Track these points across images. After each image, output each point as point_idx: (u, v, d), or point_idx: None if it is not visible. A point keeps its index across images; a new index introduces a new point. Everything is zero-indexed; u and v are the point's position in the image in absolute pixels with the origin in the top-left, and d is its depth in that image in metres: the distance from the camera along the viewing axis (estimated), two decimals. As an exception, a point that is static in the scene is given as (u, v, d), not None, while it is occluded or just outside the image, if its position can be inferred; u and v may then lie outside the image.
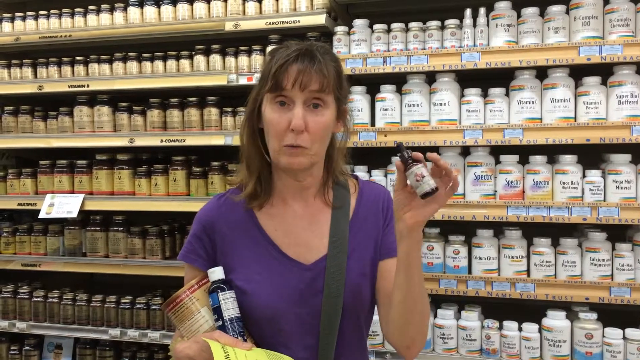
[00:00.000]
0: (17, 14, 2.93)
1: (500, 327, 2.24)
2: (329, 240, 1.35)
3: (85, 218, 2.82)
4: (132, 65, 2.76)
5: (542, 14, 2.25)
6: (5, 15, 2.96)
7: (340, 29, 2.42)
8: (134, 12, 2.73)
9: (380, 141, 2.32)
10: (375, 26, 2.39)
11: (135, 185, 2.69)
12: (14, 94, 2.91)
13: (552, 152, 2.25)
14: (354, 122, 2.32)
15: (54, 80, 2.83)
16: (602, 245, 2.17)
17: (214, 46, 2.65)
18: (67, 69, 2.86)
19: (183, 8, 2.67)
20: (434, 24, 2.33)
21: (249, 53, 2.60)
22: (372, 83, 2.45)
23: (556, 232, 2.29)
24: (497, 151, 2.28)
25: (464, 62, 2.24)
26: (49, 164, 2.83)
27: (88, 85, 2.73)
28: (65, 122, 2.81)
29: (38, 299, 2.80)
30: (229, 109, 2.62)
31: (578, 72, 2.23)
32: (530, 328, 2.19)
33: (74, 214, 2.64)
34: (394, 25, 2.37)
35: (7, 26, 2.94)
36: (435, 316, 2.31)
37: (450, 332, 2.26)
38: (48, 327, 2.78)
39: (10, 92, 2.90)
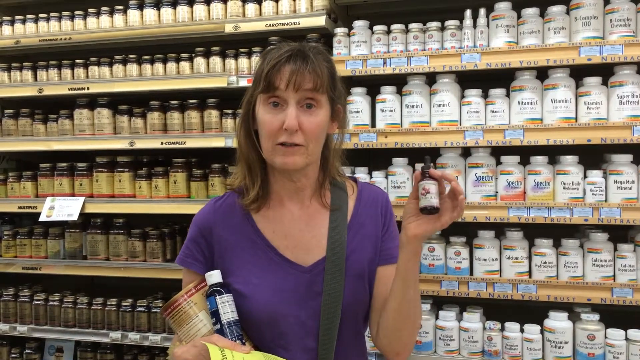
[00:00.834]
0: (17, 17, 2.93)
1: (502, 329, 2.23)
2: (327, 242, 1.34)
3: (85, 221, 2.82)
4: (132, 68, 2.76)
5: (542, 14, 2.25)
6: (5, 18, 2.96)
7: (340, 31, 2.42)
8: (133, 14, 2.73)
9: (381, 142, 2.32)
10: (375, 27, 2.39)
11: (136, 187, 2.69)
12: (14, 97, 2.91)
13: (553, 153, 2.25)
14: (350, 123, 2.34)
15: (54, 83, 2.83)
16: (604, 246, 2.17)
17: (214, 48, 2.65)
18: (67, 72, 2.86)
19: (183, 10, 2.67)
20: (434, 25, 2.33)
21: (249, 55, 2.60)
22: (373, 84, 2.45)
23: (558, 233, 2.28)
24: (498, 152, 2.28)
25: (464, 63, 2.24)
26: (50, 167, 2.82)
27: (88, 88, 2.73)
28: (65, 125, 2.81)
29: (39, 302, 2.80)
30: (229, 111, 2.62)
31: (579, 73, 2.23)
32: (532, 329, 2.18)
33: (75, 217, 2.64)
34: (394, 27, 2.37)
35: (7, 29, 2.94)
36: (436, 318, 2.30)
37: (452, 333, 2.25)
38: (49, 331, 2.78)
39: (10, 95, 2.90)
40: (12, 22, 2.93)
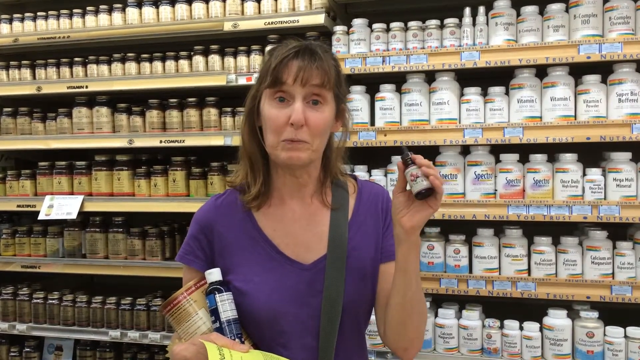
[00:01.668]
0: (15, 15, 2.93)
1: (501, 326, 2.24)
2: (328, 240, 1.34)
3: (84, 219, 2.82)
4: (131, 66, 2.75)
5: (541, 12, 2.25)
6: (3, 16, 2.95)
7: (339, 29, 2.42)
8: (132, 12, 2.72)
9: (380, 141, 2.32)
10: (375, 25, 2.39)
11: (135, 186, 2.69)
12: (12, 95, 2.90)
13: (553, 151, 2.25)
14: (353, 122, 2.33)
15: (53, 81, 2.82)
16: (603, 244, 2.17)
17: (213, 46, 2.65)
18: (65, 70, 2.86)
19: (181, 8, 2.66)
20: (433, 23, 2.32)
21: (248, 53, 2.59)
22: (372, 82, 2.45)
23: (557, 230, 2.28)
24: (497, 150, 2.28)
25: (464, 61, 2.24)
26: (48, 166, 2.82)
27: (87, 86, 2.72)
28: (64, 123, 2.81)
29: (38, 300, 2.79)
30: (228, 109, 2.62)
31: (578, 71, 2.23)
32: (532, 327, 2.18)
33: (74, 215, 2.64)
34: (393, 25, 2.37)
35: (5, 27, 2.93)
36: (436, 316, 2.30)
37: (451, 331, 2.25)
38: (48, 329, 2.77)
39: (8, 94, 2.89)
40: (11, 21, 2.93)
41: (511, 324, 2.21)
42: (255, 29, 2.52)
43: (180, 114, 2.67)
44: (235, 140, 2.50)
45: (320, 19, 2.42)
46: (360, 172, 2.37)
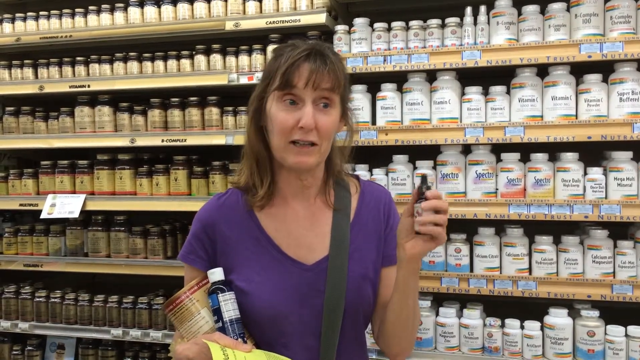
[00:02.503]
0: (17, 15, 2.93)
1: (502, 325, 2.24)
2: (330, 240, 1.35)
3: (86, 218, 2.82)
4: (133, 65, 2.76)
5: (542, 11, 2.25)
6: (5, 15, 2.96)
7: (340, 28, 2.42)
8: (134, 12, 2.73)
9: (381, 140, 2.32)
10: (376, 25, 2.39)
11: (137, 185, 2.69)
12: (15, 94, 2.91)
13: (554, 150, 2.25)
14: (356, 121, 2.33)
15: (55, 80, 2.83)
16: (604, 243, 2.17)
17: (215, 46, 2.65)
18: (67, 70, 2.86)
19: (183, 8, 2.67)
20: (434, 22, 2.33)
21: (250, 52, 2.60)
22: (373, 82, 2.45)
23: (558, 229, 2.28)
24: (498, 149, 2.28)
25: (465, 60, 2.24)
26: (51, 165, 2.83)
27: (89, 86, 2.73)
28: (66, 122, 2.82)
29: (40, 299, 2.80)
30: (230, 108, 2.62)
31: (579, 70, 2.23)
32: (532, 326, 2.19)
33: (76, 214, 2.65)
34: (395, 24, 2.37)
35: (7, 27, 2.94)
36: (437, 314, 2.30)
37: (452, 330, 2.26)
38: (50, 327, 2.78)
39: (11, 93, 2.90)
40: (13, 20, 2.93)
41: (512, 323, 2.21)
42: (257, 28, 2.52)
43: (182, 113, 2.67)
44: (236, 140, 2.50)
45: (321, 18, 2.43)
46: (362, 171, 2.37)
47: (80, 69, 2.84)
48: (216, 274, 1.30)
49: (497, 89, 2.27)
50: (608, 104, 2.17)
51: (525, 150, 2.26)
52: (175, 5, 2.69)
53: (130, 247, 2.70)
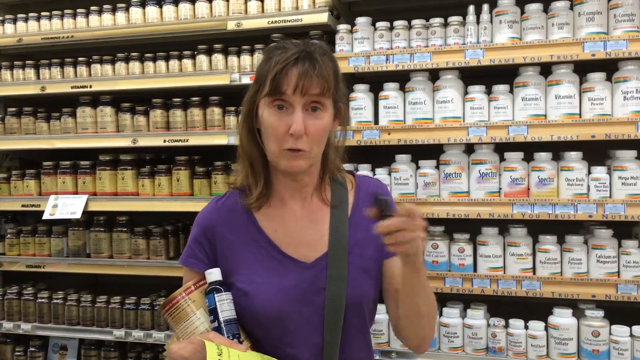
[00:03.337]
0: (19, 15, 2.93)
1: (506, 326, 2.23)
2: (328, 237, 1.34)
3: (89, 219, 2.82)
4: (135, 66, 2.76)
5: (546, 10, 2.24)
6: (7, 16, 2.96)
7: (342, 27, 2.41)
8: (136, 12, 2.72)
9: (384, 139, 2.31)
10: (378, 24, 2.38)
11: (139, 185, 2.69)
12: (16, 95, 2.91)
13: (557, 149, 2.24)
14: (353, 120, 2.33)
15: (57, 81, 2.83)
16: (608, 242, 2.16)
17: (216, 46, 2.65)
18: (69, 70, 2.86)
19: (185, 8, 2.66)
20: (437, 21, 2.32)
21: (252, 52, 2.59)
22: (375, 81, 2.44)
23: (562, 229, 2.27)
24: (501, 148, 2.27)
25: (468, 59, 2.23)
26: (53, 165, 2.82)
27: (91, 86, 2.73)
28: (68, 123, 2.81)
29: (42, 300, 2.80)
30: (232, 108, 2.61)
31: (583, 68, 2.22)
32: (537, 326, 2.18)
33: (78, 215, 2.64)
34: (397, 23, 2.36)
35: (9, 27, 2.94)
36: (440, 314, 2.30)
37: (455, 330, 2.25)
38: (53, 329, 2.78)
39: (13, 94, 2.90)
40: (15, 21, 2.93)
41: (516, 323, 2.20)
42: (259, 28, 2.51)
43: (184, 114, 2.67)
44: (238, 140, 2.49)
45: (323, 17, 2.42)
46: (364, 170, 2.36)
47: (82, 70, 2.84)
48: (213, 274, 1.30)
49: (500, 88, 2.26)
50: (612, 103, 2.16)
51: (529, 150, 2.25)
52: (177, 5, 2.68)
53: (133, 247, 2.70)
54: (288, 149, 1.26)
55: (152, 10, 2.70)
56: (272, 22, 2.48)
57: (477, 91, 2.28)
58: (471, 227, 2.34)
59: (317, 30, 2.48)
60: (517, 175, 2.21)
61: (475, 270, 2.29)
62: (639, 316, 2.18)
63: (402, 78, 2.39)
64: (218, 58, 2.63)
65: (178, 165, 2.66)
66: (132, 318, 2.67)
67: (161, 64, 2.72)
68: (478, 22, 2.27)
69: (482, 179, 2.24)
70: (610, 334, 2.11)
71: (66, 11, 2.86)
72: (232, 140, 2.52)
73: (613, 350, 2.10)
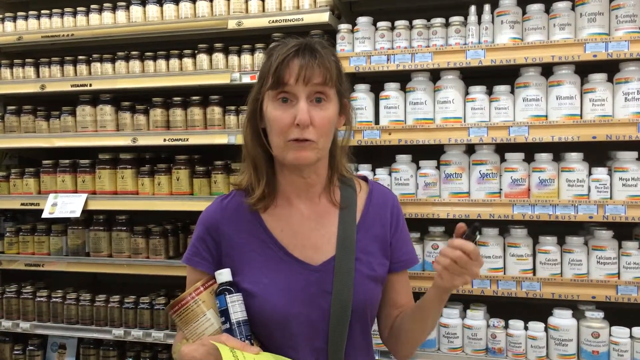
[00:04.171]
0: (19, 14, 2.92)
1: (506, 326, 2.23)
2: (336, 241, 1.34)
3: (88, 218, 2.81)
4: (135, 64, 2.75)
5: (547, 10, 2.23)
6: (7, 14, 2.95)
7: (343, 27, 2.41)
8: (136, 10, 2.72)
9: (385, 139, 2.31)
10: (379, 24, 2.38)
11: (139, 184, 2.68)
12: (16, 93, 2.90)
13: (558, 150, 2.24)
14: (357, 119, 2.33)
15: (57, 79, 2.82)
16: (609, 244, 2.16)
17: (217, 45, 2.64)
18: (69, 68, 2.85)
19: (185, 6, 2.66)
20: (438, 21, 2.31)
21: (252, 51, 2.59)
22: (376, 81, 2.44)
23: (562, 230, 2.27)
24: (502, 149, 2.27)
25: (469, 59, 2.22)
26: (52, 164, 2.82)
27: (90, 85, 2.72)
28: (67, 121, 2.81)
29: (41, 299, 2.80)
30: (232, 107, 2.61)
31: (584, 69, 2.21)
32: (536, 327, 2.17)
33: (77, 214, 2.64)
34: (398, 23, 2.36)
35: (9, 26, 2.93)
36: (440, 315, 2.29)
37: (455, 331, 2.24)
38: (52, 327, 2.77)
39: (12, 92, 2.89)
40: (14, 19, 2.93)
41: (516, 324, 2.20)
42: (260, 27, 2.51)
43: (184, 113, 2.66)
44: (239, 139, 2.49)
45: (324, 17, 2.41)
46: (365, 170, 2.36)
47: (82, 68, 2.84)
48: (224, 275, 1.29)
49: (501, 89, 2.26)
50: (613, 104, 2.16)
51: (530, 150, 2.25)
52: (177, 4, 2.68)
53: (132, 246, 2.69)
54: (294, 140, 1.25)
55: (152, 9, 2.70)
56: (273, 22, 2.48)
57: (478, 91, 2.27)
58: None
59: (318, 29, 2.47)
60: (518, 176, 2.21)
61: (475, 270, 2.28)
62: (639, 317, 2.18)
63: (403, 78, 2.38)
64: (218, 57, 2.62)
65: (178, 165, 2.65)
66: (131, 317, 2.66)
67: (161, 62, 2.71)
68: (479, 22, 2.27)
69: (483, 179, 2.24)
70: (610, 335, 2.11)
71: (66, 9, 2.85)
72: (232, 139, 2.51)
73: (613, 351, 2.09)
